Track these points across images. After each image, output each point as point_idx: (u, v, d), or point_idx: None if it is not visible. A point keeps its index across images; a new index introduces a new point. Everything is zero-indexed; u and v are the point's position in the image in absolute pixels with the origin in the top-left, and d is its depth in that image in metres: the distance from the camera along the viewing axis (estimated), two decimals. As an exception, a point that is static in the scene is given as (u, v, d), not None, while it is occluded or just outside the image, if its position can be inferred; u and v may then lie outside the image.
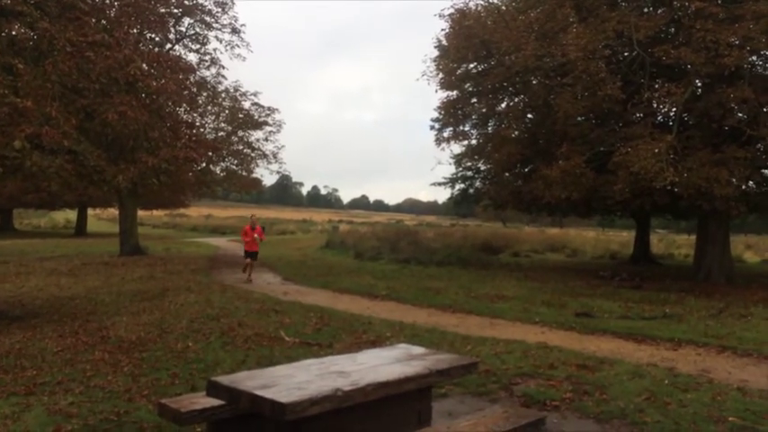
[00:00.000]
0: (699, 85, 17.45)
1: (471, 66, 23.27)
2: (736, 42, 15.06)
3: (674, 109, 17.16)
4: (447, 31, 23.44)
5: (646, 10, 17.97)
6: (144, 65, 14.18)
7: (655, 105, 17.50)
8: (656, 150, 14.98)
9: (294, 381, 3.89)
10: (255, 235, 17.51)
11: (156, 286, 14.73)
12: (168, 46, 23.32)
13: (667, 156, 14.96)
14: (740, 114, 16.35)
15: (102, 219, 64.71)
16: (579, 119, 18.54)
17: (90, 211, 51.71)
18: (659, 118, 18.47)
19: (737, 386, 6.54)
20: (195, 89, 23.94)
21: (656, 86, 16.32)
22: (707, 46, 14.85)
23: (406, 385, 4.23)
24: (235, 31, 24.17)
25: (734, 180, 15.75)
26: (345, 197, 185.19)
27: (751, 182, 18.25)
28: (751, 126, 15.61)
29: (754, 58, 17.10)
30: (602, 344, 8.97)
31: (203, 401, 4.33)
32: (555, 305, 12.80)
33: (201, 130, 25.55)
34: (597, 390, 6.28)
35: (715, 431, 5.09)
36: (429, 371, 4.46)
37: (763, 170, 18.73)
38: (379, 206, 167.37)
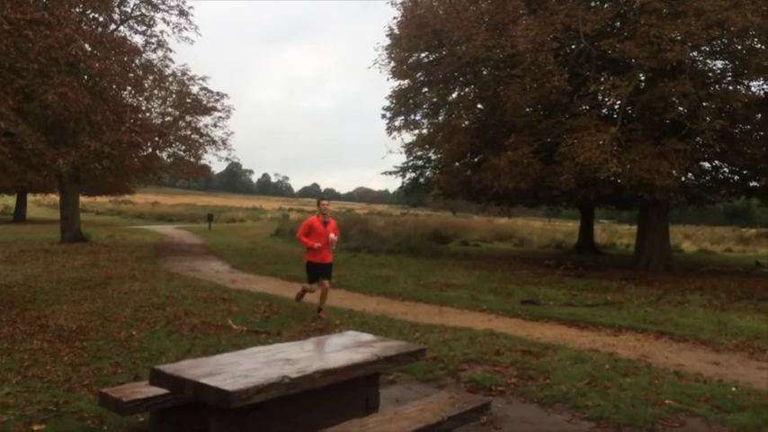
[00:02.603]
0: (642, 78, 17.95)
1: (423, 55, 23.35)
2: (678, 38, 15.54)
3: (618, 102, 17.60)
4: (399, 19, 23.46)
5: (593, 4, 18.36)
6: (86, 45, 13.74)
7: (600, 98, 17.93)
8: (601, 142, 15.36)
9: (240, 368, 3.85)
10: (331, 235, 9.51)
11: (98, 274, 14.32)
12: (112, 27, 22.59)
13: (611, 147, 15.36)
14: (681, 108, 16.89)
15: (43, 205, 62.56)
16: (527, 110, 18.83)
17: (30, 197, 49.95)
18: (604, 110, 18.94)
19: (674, 370, 6.77)
20: (141, 72, 23.30)
21: (602, 79, 16.71)
22: (650, 41, 15.27)
23: (353, 372, 4.24)
24: (182, 13, 23.57)
25: (674, 172, 16.30)
26: (296, 185, 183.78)
27: (690, 174, 18.96)
28: (691, 119, 16.15)
29: (695, 53, 17.67)
30: (546, 330, 9.17)
31: (146, 390, 4.24)
32: (502, 293, 13.02)
33: (147, 114, 24.91)
34: (541, 375, 6.42)
35: (652, 413, 5.26)
36: (377, 357, 4.48)
37: (701, 162, 19.44)
38: (330, 195, 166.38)
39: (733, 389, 6.03)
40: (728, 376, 6.62)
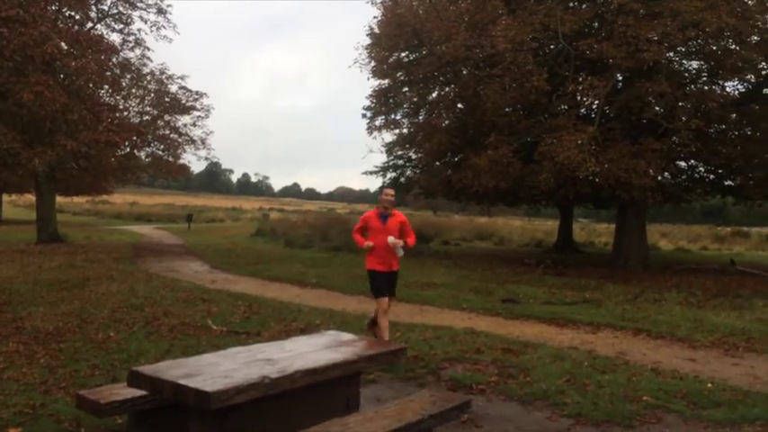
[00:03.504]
0: (620, 78, 18.12)
1: (403, 54, 23.39)
2: (655, 38, 15.72)
3: (596, 102, 17.76)
4: (379, 18, 23.47)
5: (571, 4, 18.50)
6: (62, 43, 13.56)
7: (578, 98, 18.07)
8: (579, 141, 15.49)
9: (220, 369, 3.83)
10: (390, 238, 6.94)
11: (75, 275, 14.14)
12: (89, 25, 22.29)
13: (589, 147, 15.50)
14: (657, 108, 17.08)
15: (19, 205, 61.67)
16: (507, 109, 18.92)
17: (5, 197, 49.20)
18: (582, 110, 19.08)
19: (651, 367, 6.86)
20: (118, 71, 23.06)
21: (580, 79, 16.83)
22: (627, 41, 15.42)
23: (334, 372, 4.24)
24: (160, 11, 23.30)
25: (651, 171, 16.47)
26: (277, 185, 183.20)
27: (666, 173, 19.20)
28: (667, 119, 16.35)
29: (671, 53, 17.88)
30: (526, 328, 9.23)
31: (124, 392, 4.20)
32: (482, 292, 13.08)
33: (125, 113, 24.65)
34: (521, 373, 6.47)
35: (630, 410, 5.33)
36: (357, 357, 4.48)
37: (677, 162, 19.68)
38: (311, 194, 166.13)
39: (709, 385, 6.12)
40: (704, 373, 6.72)
